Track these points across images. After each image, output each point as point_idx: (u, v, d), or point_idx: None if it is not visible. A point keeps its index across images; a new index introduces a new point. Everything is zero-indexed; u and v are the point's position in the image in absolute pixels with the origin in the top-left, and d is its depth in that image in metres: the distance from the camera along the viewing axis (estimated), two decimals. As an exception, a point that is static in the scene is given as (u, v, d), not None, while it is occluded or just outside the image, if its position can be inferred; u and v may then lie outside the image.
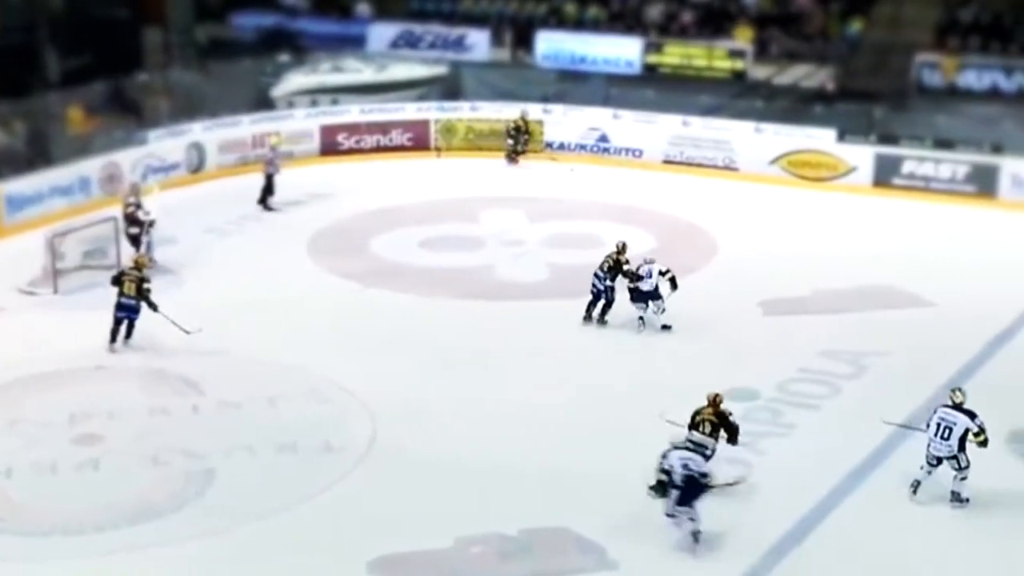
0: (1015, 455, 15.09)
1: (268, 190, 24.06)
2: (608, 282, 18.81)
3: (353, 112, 28.95)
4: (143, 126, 26.74)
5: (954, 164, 26.02)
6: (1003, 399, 16.22)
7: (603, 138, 28.68)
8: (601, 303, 18.92)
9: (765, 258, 22.02)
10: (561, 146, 28.99)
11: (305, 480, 14.34)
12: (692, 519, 12.69)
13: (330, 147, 28.39)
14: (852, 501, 13.99)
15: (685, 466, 12.71)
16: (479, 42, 33.06)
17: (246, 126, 27.51)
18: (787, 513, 13.57)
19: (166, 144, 26.09)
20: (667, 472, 12.67)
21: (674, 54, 31.44)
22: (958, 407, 13.91)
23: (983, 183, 25.75)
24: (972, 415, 13.84)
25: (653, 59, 31.53)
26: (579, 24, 33.18)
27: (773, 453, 15.05)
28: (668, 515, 12.76)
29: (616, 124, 28.59)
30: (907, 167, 26.41)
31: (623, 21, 33.02)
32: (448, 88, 32.22)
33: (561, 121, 29.03)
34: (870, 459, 14.90)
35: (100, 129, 27.03)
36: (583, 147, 28.90)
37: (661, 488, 13.01)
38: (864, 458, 14.89)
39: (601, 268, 18.88)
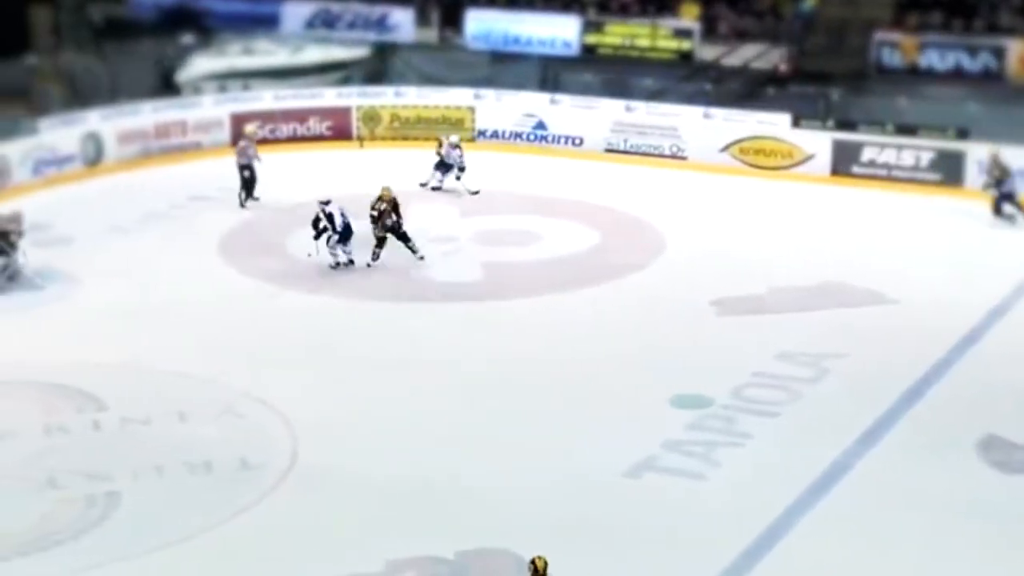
0: (987, 464, 15.24)
1: (249, 184, 23.61)
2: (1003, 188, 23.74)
3: (266, 99, 28.81)
4: (32, 115, 26.38)
5: (917, 151, 26.39)
6: (972, 405, 16.44)
7: (540, 125, 28.76)
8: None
9: (717, 254, 22.17)
10: (495, 134, 28.96)
11: (220, 502, 14.23)
12: (345, 253, 20.73)
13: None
14: (812, 517, 14.05)
15: (343, 215, 20.61)
16: (403, 22, 33.13)
17: (148, 114, 27.22)
18: (743, 530, 13.62)
19: (59, 134, 25.69)
20: (330, 219, 20.46)
21: (615, 34, 31.65)
22: None
23: (948, 171, 26.12)
24: None
25: (593, 39, 31.71)
26: (512, 2, 33.23)
27: (728, 465, 15.14)
28: (331, 252, 20.58)
29: (554, 110, 28.67)
30: (867, 154, 26.75)
31: (560, -2, 33.15)
32: (370, 72, 32.26)
33: (494, 107, 29.01)
34: (831, 471, 14.99)
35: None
36: (519, 135, 28.96)
37: (317, 230, 20.54)
38: (825, 470, 14.97)
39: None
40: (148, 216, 23.70)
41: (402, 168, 26.88)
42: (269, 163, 25.22)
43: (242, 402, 16.34)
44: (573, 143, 28.52)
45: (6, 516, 13.94)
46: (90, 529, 13.75)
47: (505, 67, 31.53)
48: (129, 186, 24.63)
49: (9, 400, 16.50)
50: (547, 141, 28.73)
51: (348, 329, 18.95)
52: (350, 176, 26.42)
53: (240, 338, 18.50)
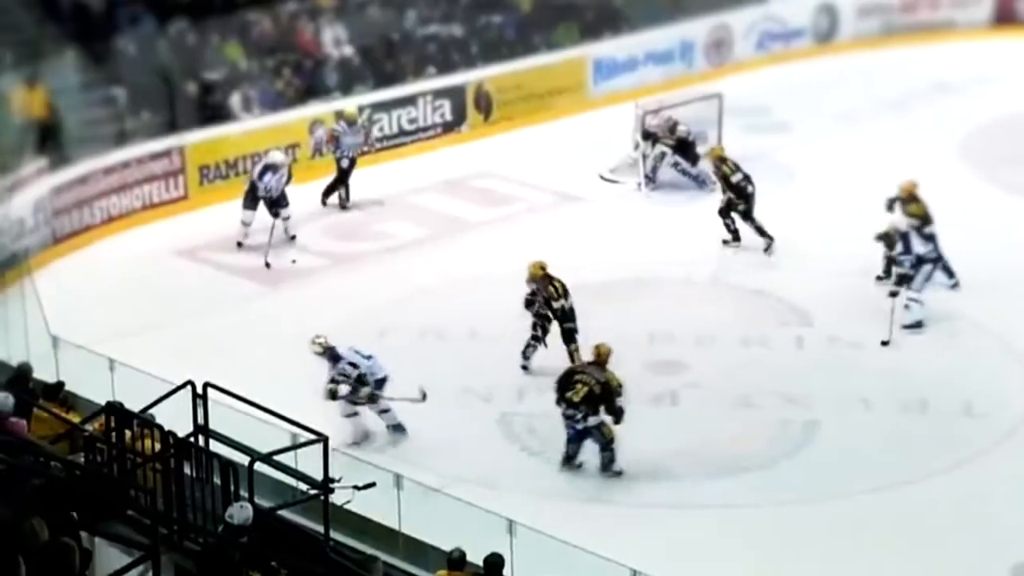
0: None
1: None
2: None
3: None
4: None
5: None
6: None
7: None
8: None
9: None
10: None
11: (933, 450, 12.98)
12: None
13: (1009, 13, 24.85)
14: None
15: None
16: None
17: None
18: None
19: (790, 5, 24.46)
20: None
21: None
22: None
23: None
24: None
25: None
26: None
27: None
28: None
29: None
30: None
31: None
32: None
33: None
34: None
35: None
36: None
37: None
38: None
39: None
40: (881, 104, 21.96)
41: None
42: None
43: (968, 332, 14.80)
44: None
45: (694, 431, 13.44)
46: (782, 459, 12.97)
47: None
48: (864, 68, 22.92)
49: (706, 303, 15.98)
50: None
51: None
52: None
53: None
